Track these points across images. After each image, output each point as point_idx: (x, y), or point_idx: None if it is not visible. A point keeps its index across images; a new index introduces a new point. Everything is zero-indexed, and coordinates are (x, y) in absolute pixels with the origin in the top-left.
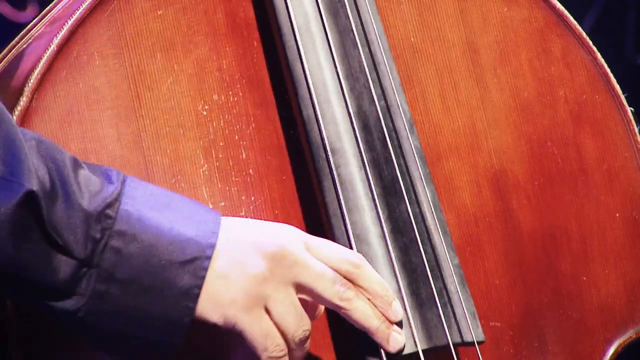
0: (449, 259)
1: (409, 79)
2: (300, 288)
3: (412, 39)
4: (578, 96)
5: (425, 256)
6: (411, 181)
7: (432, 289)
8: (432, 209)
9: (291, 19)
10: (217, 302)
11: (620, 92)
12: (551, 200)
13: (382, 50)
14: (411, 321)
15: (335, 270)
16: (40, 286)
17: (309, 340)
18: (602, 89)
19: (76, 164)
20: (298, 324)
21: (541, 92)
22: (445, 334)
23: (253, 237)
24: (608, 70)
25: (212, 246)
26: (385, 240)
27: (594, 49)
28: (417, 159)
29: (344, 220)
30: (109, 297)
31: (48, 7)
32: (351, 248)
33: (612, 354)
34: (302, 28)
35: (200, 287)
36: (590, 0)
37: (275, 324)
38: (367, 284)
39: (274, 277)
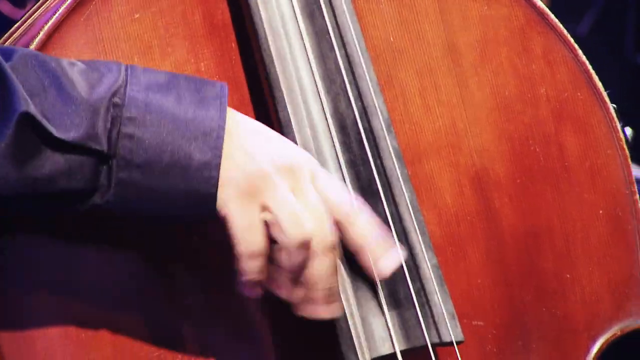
0: (427, 260)
1: (388, 79)
2: None
3: (391, 38)
4: (559, 94)
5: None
6: (388, 182)
7: (409, 289)
8: (410, 210)
9: (268, 21)
10: (236, 163)
11: (602, 89)
12: (533, 198)
13: (358, 52)
14: (389, 322)
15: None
16: (64, 193)
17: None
18: (583, 86)
19: (72, 64)
20: (296, 224)
21: (522, 90)
22: (424, 334)
23: (268, 137)
24: (590, 67)
25: (224, 119)
26: None
27: (576, 46)
28: (394, 159)
29: None
30: (132, 183)
31: (30, 10)
32: None
33: (597, 351)
34: (278, 30)
35: (219, 157)
36: (589, 0)
37: (268, 220)
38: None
39: (277, 179)
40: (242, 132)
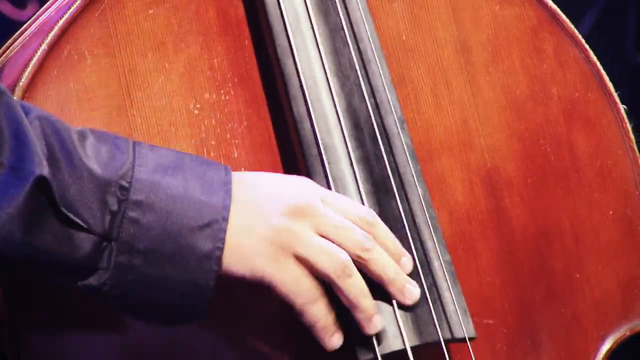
0: (439, 255)
1: (400, 77)
2: None
3: (404, 37)
4: (570, 94)
5: (416, 253)
6: (401, 178)
7: (422, 285)
8: (423, 206)
9: (282, 17)
10: (241, 255)
11: (613, 90)
12: (544, 198)
13: (372, 48)
14: (400, 318)
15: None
16: (62, 267)
17: (354, 273)
18: (594, 87)
19: (82, 136)
20: (332, 257)
21: (533, 90)
22: (436, 330)
23: (269, 190)
24: (600, 68)
25: (228, 208)
26: None
27: (587, 46)
28: (408, 156)
29: None
30: (132, 268)
31: (44, 7)
32: None
33: (607, 351)
34: (292, 26)
35: (221, 249)
36: (590, 0)
37: (308, 266)
38: (381, 239)
39: (295, 226)
40: (249, 197)
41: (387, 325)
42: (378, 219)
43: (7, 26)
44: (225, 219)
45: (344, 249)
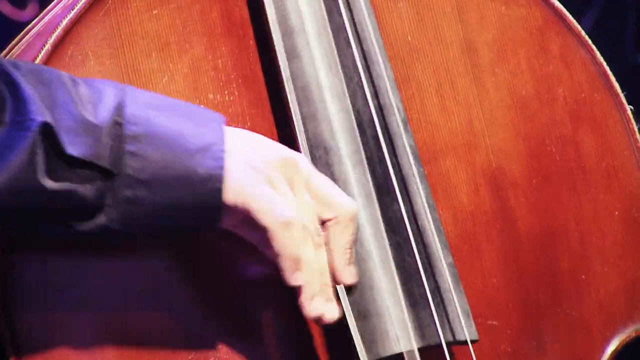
0: (442, 258)
1: (405, 78)
2: None
3: (409, 37)
4: (577, 94)
5: (418, 255)
6: (404, 180)
7: (424, 288)
8: (426, 208)
9: (286, 17)
10: (236, 183)
11: (619, 90)
12: (549, 198)
13: (375, 49)
14: (402, 321)
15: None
16: (71, 211)
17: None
18: (601, 88)
19: (74, 81)
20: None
21: (539, 91)
22: (438, 333)
23: (261, 139)
24: (607, 68)
25: (222, 137)
26: (379, 239)
27: (593, 47)
28: (411, 157)
29: None
30: (138, 200)
31: (49, 7)
32: None
33: (612, 353)
34: (296, 27)
35: (222, 167)
36: (590, 0)
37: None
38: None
39: (272, 173)
40: (243, 138)
41: (390, 327)
42: (351, 214)
43: (6, 26)
44: (222, 142)
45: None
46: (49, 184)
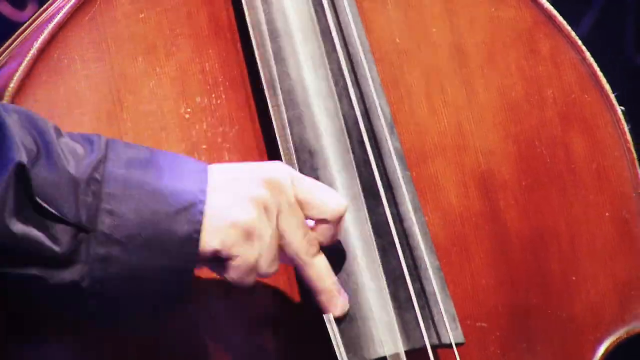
0: (428, 261)
1: (394, 80)
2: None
3: (397, 40)
4: (566, 95)
5: (403, 258)
6: (390, 183)
7: (409, 291)
8: (412, 211)
9: (270, 20)
10: (219, 231)
11: (610, 91)
12: (539, 200)
13: (361, 52)
14: (387, 324)
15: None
16: (40, 260)
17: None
18: (591, 88)
19: (59, 132)
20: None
21: (529, 92)
22: (423, 336)
23: (244, 173)
24: (597, 69)
25: (204, 191)
26: (366, 243)
27: (583, 48)
28: (396, 160)
29: None
30: (111, 259)
31: (42, 9)
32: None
33: (603, 354)
34: (281, 30)
35: (199, 232)
36: (589, 1)
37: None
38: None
39: (272, 197)
40: (226, 177)
41: (374, 330)
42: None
43: (6, 27)
44: (202, 202)
45: (292, 247)
46: (15, 226)
